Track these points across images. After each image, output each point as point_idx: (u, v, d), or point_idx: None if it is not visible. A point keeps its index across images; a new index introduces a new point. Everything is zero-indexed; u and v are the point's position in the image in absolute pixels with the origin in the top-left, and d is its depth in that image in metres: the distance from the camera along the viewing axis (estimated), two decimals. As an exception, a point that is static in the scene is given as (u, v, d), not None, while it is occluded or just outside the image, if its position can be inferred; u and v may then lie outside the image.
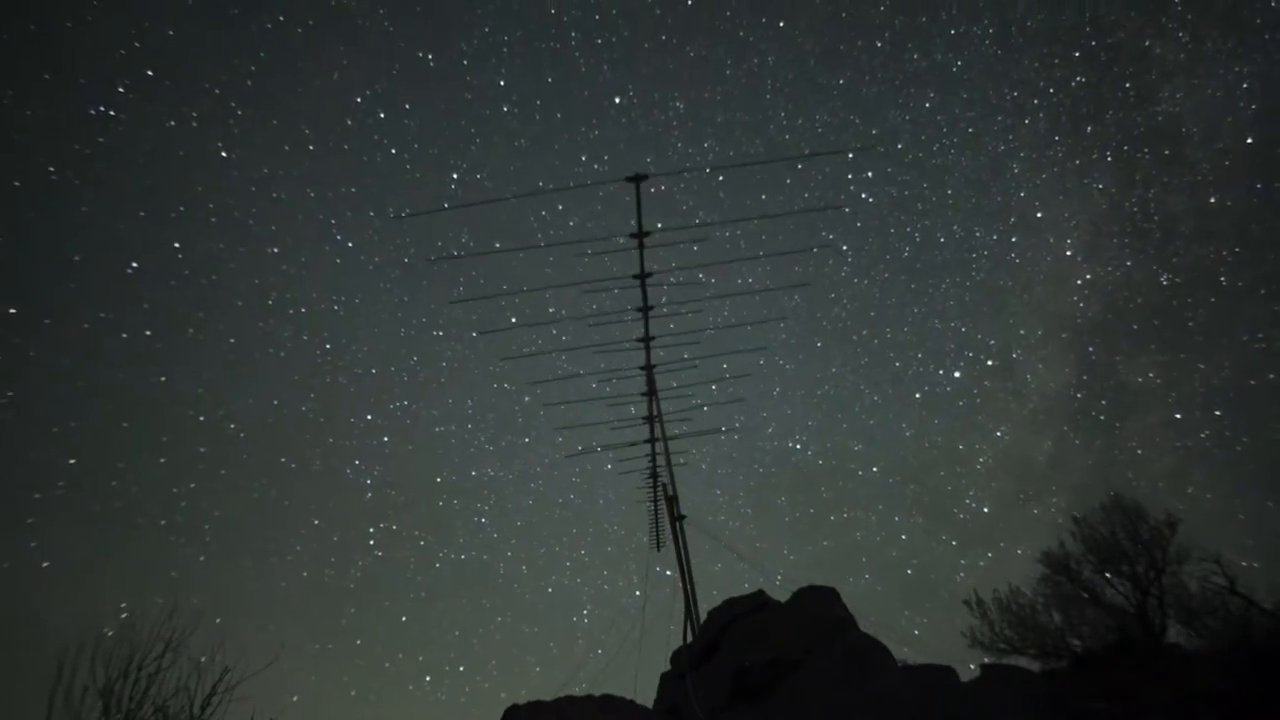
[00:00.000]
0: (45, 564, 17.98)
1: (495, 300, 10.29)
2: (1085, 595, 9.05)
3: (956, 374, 25.74)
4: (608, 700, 7.56)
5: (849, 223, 26.34)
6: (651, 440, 10.71)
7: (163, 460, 21.73)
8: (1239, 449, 21.46)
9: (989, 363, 25.85)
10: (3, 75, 19.83)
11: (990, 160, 26.22)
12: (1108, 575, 9.02)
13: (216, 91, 22.54)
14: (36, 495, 18.75)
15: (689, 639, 9.43)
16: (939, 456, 26.96)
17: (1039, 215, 25.68)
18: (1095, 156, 24.90)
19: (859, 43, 26.41)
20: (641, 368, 10.23)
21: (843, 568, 24.47)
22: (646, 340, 9.90)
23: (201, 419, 21.98)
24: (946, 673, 7.68)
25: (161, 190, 23.11)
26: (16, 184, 19.79)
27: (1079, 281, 24.94)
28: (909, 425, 26.74)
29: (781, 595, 8.95)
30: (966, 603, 9.57)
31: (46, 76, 20.13)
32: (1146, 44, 23.56)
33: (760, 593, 9.04)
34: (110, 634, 4.73)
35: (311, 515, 23.70)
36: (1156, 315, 23.91)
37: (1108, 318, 25.00)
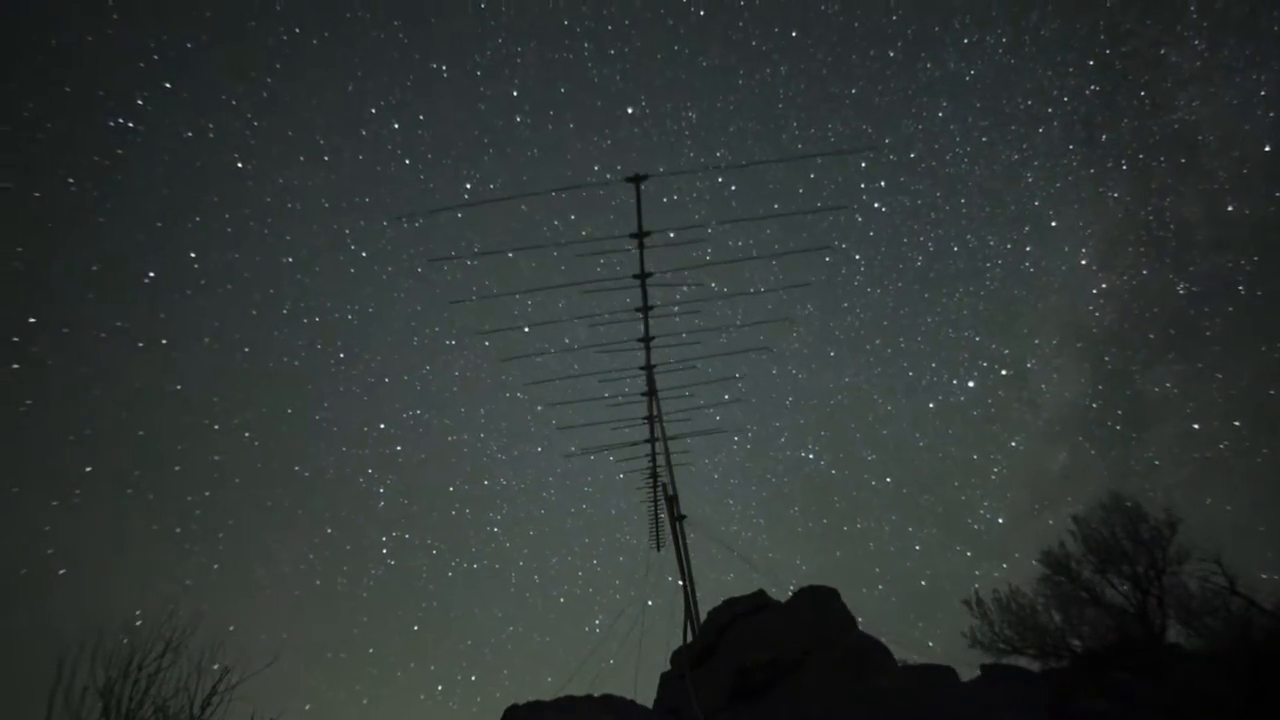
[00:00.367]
0: (61, 571, 18.03)
1: (497, 301, 10.29)
2: (1085, 595, 9.05)
3: (970, 384, 25.49)
4: (608, 700, 7.57)
5: (862, 231, 26.25)
6: (651, 440, 10.72)
7: (178, 468, 21.82)
8: (1259, 460, 21.08)
9: (1003, 372, 25.62)
10: (25, 88, 20.11)
11: (1004, 169, 26.05)
12: (1108, 575, 9.02)
13: (233, 103, 22.76)
14: (54, 503, 18.82)
15: (689, 639, 9.44)
16: (953, 467, 26.72)
17: (1053, 224, 25.45)
18: (1110, 165, 24.71)
19: (871, 52, 26.32)
20: (641, 368, 10.23)
21: (856, 579, 24.08)
22: (646, 340, 9.90)
23: (216, 427, 22.10)
24: (946, 673, 7.69)
25: (178, 201, 23.21)
26: (37, 194, 19.96)
27: (1094, 290, 24.64)
28: (922, 435, 26.56)
29: (782, 595, 8.97)
30: (966, 603, 9.57)
31: (67, 89, 20.31)
32: (1162, 52, 23.35)
33: (760, 593, 9.04)
34: (111, 634, 4.73)
35: (324, 524, 23.83)
36: (1173, 324, 23.57)
37: (1123, 327, 24.63)
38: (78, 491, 19.19)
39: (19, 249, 19.48)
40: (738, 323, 10.95)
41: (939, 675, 7.61)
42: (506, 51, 25.77)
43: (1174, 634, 8.52)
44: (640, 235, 8.88)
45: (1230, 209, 22.64)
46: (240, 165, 22.85)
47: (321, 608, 23.41)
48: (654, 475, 11.25)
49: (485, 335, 10.69)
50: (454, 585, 24.54)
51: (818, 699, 7.09)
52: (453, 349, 26.24)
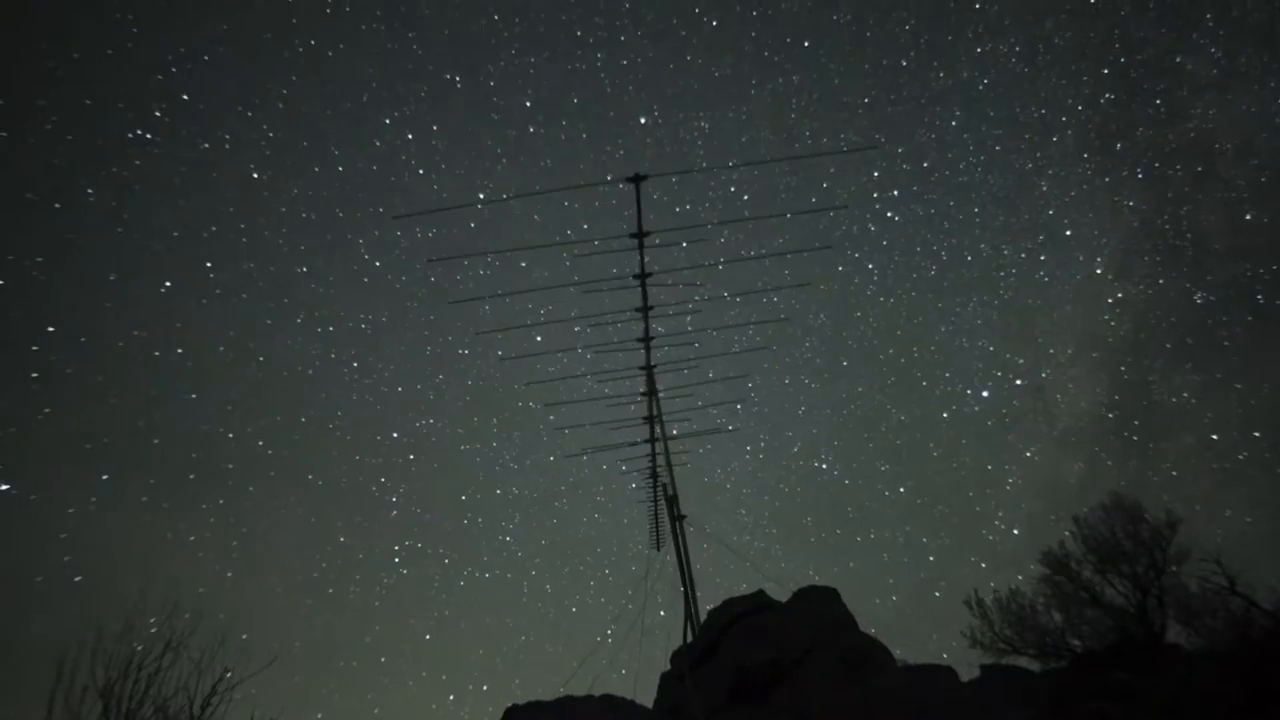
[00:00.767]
0: (77, 579, 18.10)
1: (500, 302, 10.28)
2: (1085, 595, 9.04)
3: (985, 394, 25.34)
4: (608, 700, 7.57)
5: (875, 240, 26.16)
6: (651, 440, 10.71)
7: (192, 476, 22.09)
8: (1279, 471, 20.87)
9: (1018, 382, 25.45)
10: (47, 101, 20.28)
11: (1018, 178, 25.93)
12: (1108, 575, 9.02)
13: (249, 114, 23.04)
14: (70, 510, 18.94)
15: (689, 639, 9.43)
16: (967, 477, 26.63)
17: (1068, 233, 25.32)
18: (1125, 173, 24.53)
19: (884, 62, 26.29)
20: (641, 368, 10.23)
21: (870, 589, 23.96)
22: (647, 340, 9.90)
23: (230, 436, 22.30)
24: (946, 673, 7.68)
25: (195, 211, 23.44)
26: (57, 205, 20.18)
27: (1110, 300, 24.54)
28: (937, 445, 26.47)
29: (783, 596, 8.96)
30: (966, 603, 9.57)
31: (88, 102, 20.55)
32: (1178, 60, 23.20)
33: (760, 593, 9.03)
34: (111, 634, 4.73)
35: (337, 533, 23.88)
36: (1191, 334, 23.33)
37: (1140, 337, 24.44)
38: (93, 499, 19.35)
39: (39, 259, 19.69)
40: (738, 323, 10.96)
41: (939, 675, 7.60)
42: (520, 62, 25.87)
43: (1174, 634, 8.52)
44: (640, 235, 8.88)
45: (1249, 217, 22.42)
46: (256, 176, 23.13)
47: (334, 616, 23.50)
48: (654, 475, 11.25)
49: (485, 335, 10.69)
50: (466, 594, 24.72)
51: (818, 699, 7.09)
52: (466, 358, 26.30)
